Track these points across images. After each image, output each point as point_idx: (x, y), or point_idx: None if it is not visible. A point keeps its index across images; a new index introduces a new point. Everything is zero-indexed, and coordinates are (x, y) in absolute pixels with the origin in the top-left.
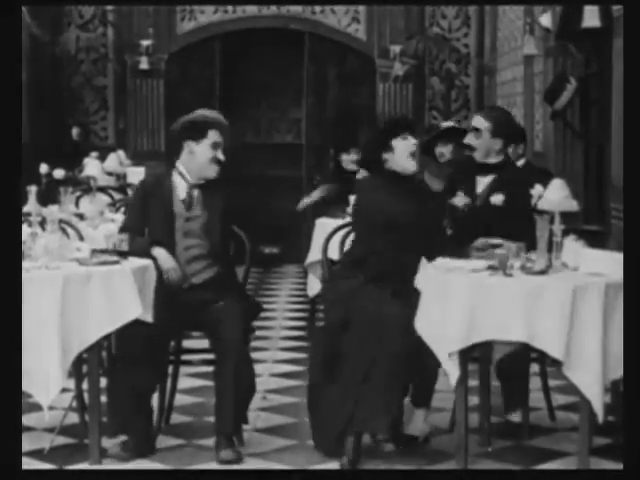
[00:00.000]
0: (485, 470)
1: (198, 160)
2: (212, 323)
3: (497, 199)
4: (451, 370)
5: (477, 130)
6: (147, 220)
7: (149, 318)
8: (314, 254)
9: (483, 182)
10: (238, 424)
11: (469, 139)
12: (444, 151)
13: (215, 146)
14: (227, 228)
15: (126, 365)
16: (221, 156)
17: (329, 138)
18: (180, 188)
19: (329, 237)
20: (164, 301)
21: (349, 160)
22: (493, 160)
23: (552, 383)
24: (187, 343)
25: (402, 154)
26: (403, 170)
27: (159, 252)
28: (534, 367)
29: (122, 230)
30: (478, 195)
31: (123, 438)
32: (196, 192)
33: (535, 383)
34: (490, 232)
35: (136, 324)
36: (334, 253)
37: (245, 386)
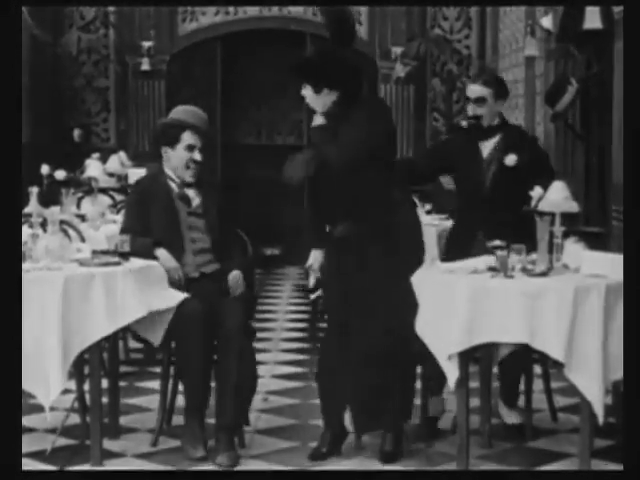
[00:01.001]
0: (486, 471)
1: (174, 164)
2: (213, 319)
3: (511, 160)
4: (450, 372)
5: (482, 99)
6: (147, 219)
7: (176, 300)
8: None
9: (487, 147)
10: (239, 423)
11: (474, 110)
12: None
13: (189, 148)
14: (226, 227)
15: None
16: (197, 157)
17: None
18: (174, 188)
19: None
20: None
21: None
22: (497, 122)
23: (553, 385)
24: None
25: None
26: None
27: (161, 252)
28: (537, 369)
29: (122, 232)
30: (485, 159)
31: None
32: (191, 192)
33: (537, 385)
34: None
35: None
36: None
37: (247, 381)
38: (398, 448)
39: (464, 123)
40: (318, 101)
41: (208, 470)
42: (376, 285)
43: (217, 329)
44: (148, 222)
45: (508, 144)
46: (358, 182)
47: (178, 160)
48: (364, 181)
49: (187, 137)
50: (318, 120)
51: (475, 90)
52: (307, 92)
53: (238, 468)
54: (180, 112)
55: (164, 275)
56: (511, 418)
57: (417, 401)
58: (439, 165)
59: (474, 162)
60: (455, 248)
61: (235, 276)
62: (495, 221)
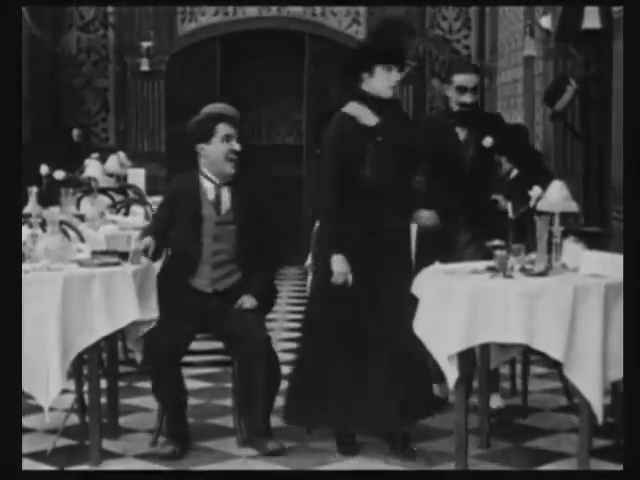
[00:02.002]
0: (485, 471)
1: (213, 158)
2: (233, 330)
3: (487, 142)
4: (449, 372)
5: (476, 87)
6: (173, 223)
7: (154, 314)
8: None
9: (461, 132)
10: (268, 420)
11: (469, 98)
12: None
13: (227, 139)
14: (256, 233)
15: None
16: (236, 146)
17: (314, 137)
18: (208, 190)
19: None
20: (182, 310)
21: None
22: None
23: (553, 385)
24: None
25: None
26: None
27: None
28: (535, 369)
29: (143, 235)
30: (463, 142)
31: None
32: (225, 193)
33: (536, 385)
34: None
35: (157, 336)
36: None
37: (274, 383)
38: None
39: (456, 108)
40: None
41: (208, 470)
42: (399, 284)
43: (233, 342)
44: (174, 226)
45: (482, 128)
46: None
47: (217, 153)
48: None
49: (222, 128)
50: (369, 116)
51: (470, 79)
52: (396, 75)
53: (238, 468)
54: (209, 108)
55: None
56: (494, 402)
57: None
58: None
59: (453, 147)
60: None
61: (247, 301)
62: (474, 203)
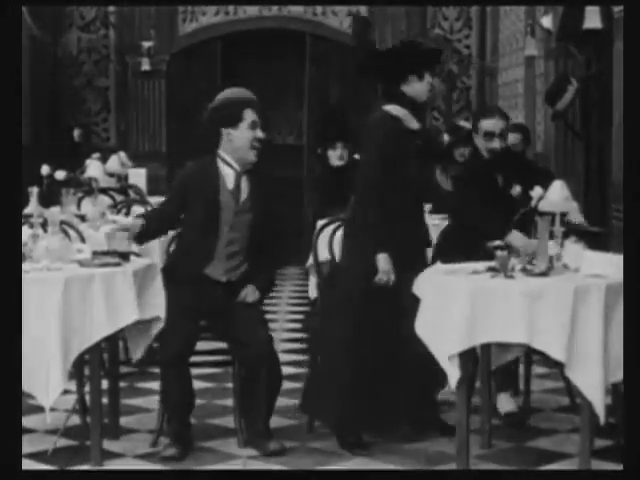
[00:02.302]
0: (486, 471)
1: (237, 145)
2: (239, 333)
3: (516, 191)
4: (451, 372)
5: (502, 133)
6: (183, 210)
7: (155, 312)
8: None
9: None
10: (269, 419)
11: (498, 143)
12: (465, 153)
13: (253, 126)
14: (267, 226)
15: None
16: (261, 134)
17: (315, 137)
18: (228, 177)
19: (318, 234)
20: (193, 301)
21: (336, 156)
22: None
23: (553, 385)
24: None
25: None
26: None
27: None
28: (536, 369)
29: (145, 215)
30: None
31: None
32: (244, 181)
33: (537, 385)
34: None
35: (169, 338)
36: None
37: (276, 384)
38: None
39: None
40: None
41: (208, 470)
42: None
43: (239, 346)
44: (183, 212)
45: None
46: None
47: (242, 140)
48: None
49: (249, 114)
50: (412, 120)
51: (497, 124)
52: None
53: (238, 468)
54: (234, 92)
55: (159, 279)
56: (505, 405)
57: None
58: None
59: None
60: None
61: (250, 293)
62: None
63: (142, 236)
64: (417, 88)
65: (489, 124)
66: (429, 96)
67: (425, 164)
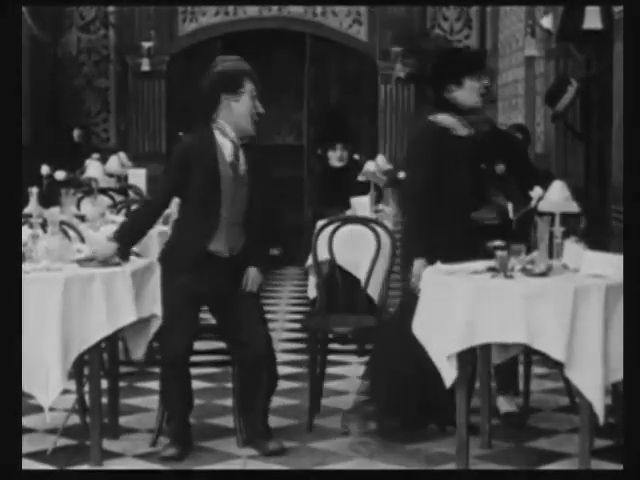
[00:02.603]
0: (486, 471)
1: (238, 114)
2: (239, 332)
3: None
4: (447, 372)
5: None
6: (183, 186)
7: (157, 310)
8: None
9: None
10: (266, 422)
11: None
12: None
13: (253, 97)
14: (267, 197)
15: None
16: (261, 109)
17: (315, 137)
18: (225, 148)
19: (317, 234)
20: (197, 279)
21: (335, 157)
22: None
23: (553, 385)
24: None
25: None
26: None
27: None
28: (536, 369)
29: (162, 191)
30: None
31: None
32: (241, 153)
33: (536, 385)
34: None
35: (167, 336)
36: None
37: (272, 384)
38: None
39: None
40: None
41: (209, 470)
42: None
43: (238, 346)
44: (186, 187)
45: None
46: None
47: (244, 110)
48: None
49: (249, 85)
50: (461, 127)
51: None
52: (484, 81)
53: (238, 468)
54: (235, 62)
55: (157, 276)
56: (505, 406)
57: None
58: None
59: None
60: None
61: (254, 277)
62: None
63: (125, 239)
64: (459, 95)
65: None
66: (479, 100)
67: (476, 169)
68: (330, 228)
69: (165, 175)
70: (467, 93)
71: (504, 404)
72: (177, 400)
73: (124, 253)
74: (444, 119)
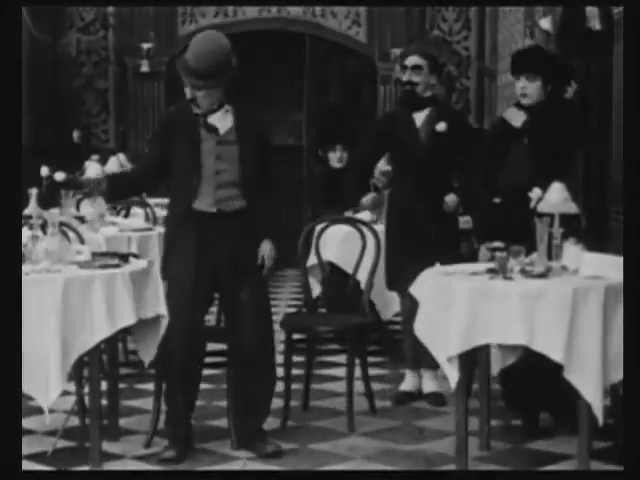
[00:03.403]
0: (485, 471)
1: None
2: (232, 324)
3: (441, 127)
4: (450, 373)
5: (418, 67)
6: (171, 150)
7: (163, 310)
8: (314, 257)
9: (419, 118)
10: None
11: (410, 76)
12: None
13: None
14: (264, 160)
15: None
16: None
17: (315, 138)
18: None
19: (319, 235)
20: (185, 248)
21: (335, 158)
22: (428, 93)
23: None
24: None
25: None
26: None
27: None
28: None
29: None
30: (419, 129)
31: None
32: (227, 115)
33: None
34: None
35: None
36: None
37: (270, 388)
38: None
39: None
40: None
41: (209, 470)
42: None
43: (233, 345)
44: (171, 153)
45: (439, 115)
46: None
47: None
48: None
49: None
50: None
51: (413, 59)
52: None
53: (237, 469)
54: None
55: (159, 280)
56: (429, 385)
57: None
58: (384, 143)
59: (409, 131)
60: (393, 215)
61: (267, 250)
62: (428, 186)
63: (114, 193)
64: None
65: (407, 59)
66: (521, 94)
67: (528, 162)
68: (318, 229)
69: (150, 144)
70: (517, 87)
71: (428, 383)
72: (181, 400)
73: (107, 192)
74: (510, 112)
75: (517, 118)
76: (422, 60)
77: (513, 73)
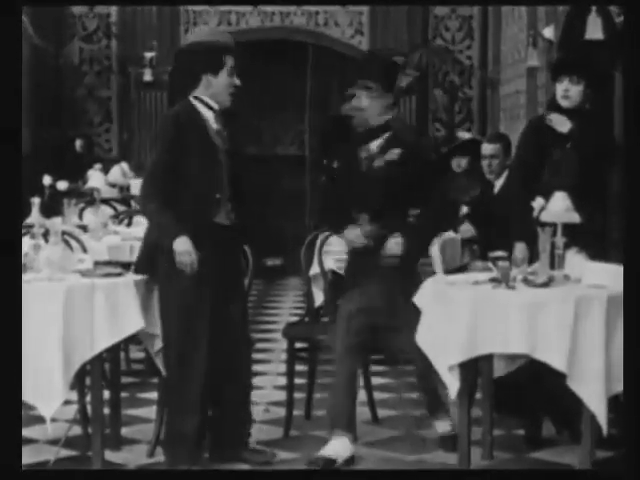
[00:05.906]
0: (485, 471)
1: (216, 90)
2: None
3: (393, 154)
4: (451, 383)
5: (369, 88)
6: (184, 157)
7: (157, 330)
8: (317, 266)
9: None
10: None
11: (358, 102)
12: (462, 163)
13: (232, 72)
14: (242, 170)
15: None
16: (238, 82)
17: (318, 147)
18: (209, 118)
19: (322, 244)
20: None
21: None
22: (385, 117)
23: None
24: None
25: None
26: None
27: (183, 242)
28: None
29: (154, 168)
30: (371, 156)
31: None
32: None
33: None
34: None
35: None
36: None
37: (243, 396)
38: None
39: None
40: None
41: (209, 470)
42: None
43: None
44: (183, 160)
45: (396, 141)
46: None
47: (222, 87)
48: None
49: (230, 60)
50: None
51: (362, 83)
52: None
53: (239, 469)
54: (216, 33)
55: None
56: (441, 427)
57: None
58: None
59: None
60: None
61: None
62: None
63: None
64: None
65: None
66: (562, 96)
67: (572, 167)
68: (321, 238)
69: (158, 155)
70: (558, 90)
71: (440, 426)
72: (191, 415)
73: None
74: (552, 117)
75: (563, 124)
76: (373, 84)
77: (556, 75)
